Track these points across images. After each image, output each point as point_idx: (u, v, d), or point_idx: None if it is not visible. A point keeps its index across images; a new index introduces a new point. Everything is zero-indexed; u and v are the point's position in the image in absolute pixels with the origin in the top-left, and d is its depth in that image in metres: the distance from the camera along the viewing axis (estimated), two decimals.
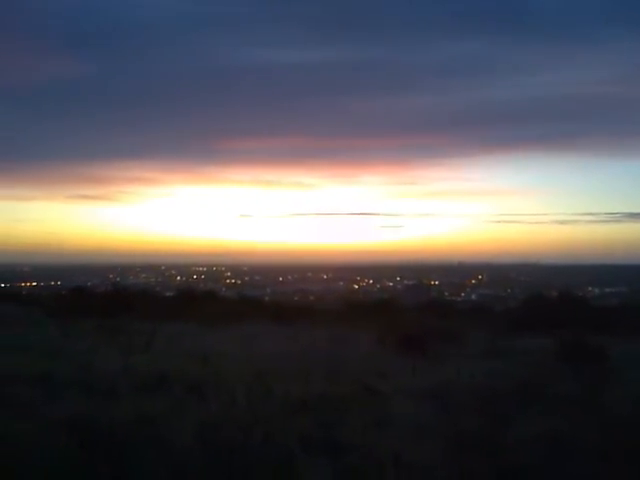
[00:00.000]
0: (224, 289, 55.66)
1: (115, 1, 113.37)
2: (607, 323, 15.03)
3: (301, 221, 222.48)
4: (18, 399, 5.52)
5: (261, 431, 4.64)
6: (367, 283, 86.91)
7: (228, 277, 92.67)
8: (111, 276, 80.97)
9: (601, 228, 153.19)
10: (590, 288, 63.11)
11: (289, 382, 6.58)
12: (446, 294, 59.78)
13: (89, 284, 46.16)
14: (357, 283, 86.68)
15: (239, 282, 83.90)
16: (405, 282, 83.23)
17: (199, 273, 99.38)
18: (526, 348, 10.63)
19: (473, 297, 60.48)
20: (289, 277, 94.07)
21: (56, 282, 63.87)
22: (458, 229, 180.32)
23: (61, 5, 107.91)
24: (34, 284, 64.67)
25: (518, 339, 12.44)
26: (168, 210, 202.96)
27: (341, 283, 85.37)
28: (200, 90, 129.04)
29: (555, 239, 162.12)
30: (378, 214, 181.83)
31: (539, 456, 4.48)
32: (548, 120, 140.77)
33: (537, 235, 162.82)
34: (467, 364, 8.64)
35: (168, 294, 27.43)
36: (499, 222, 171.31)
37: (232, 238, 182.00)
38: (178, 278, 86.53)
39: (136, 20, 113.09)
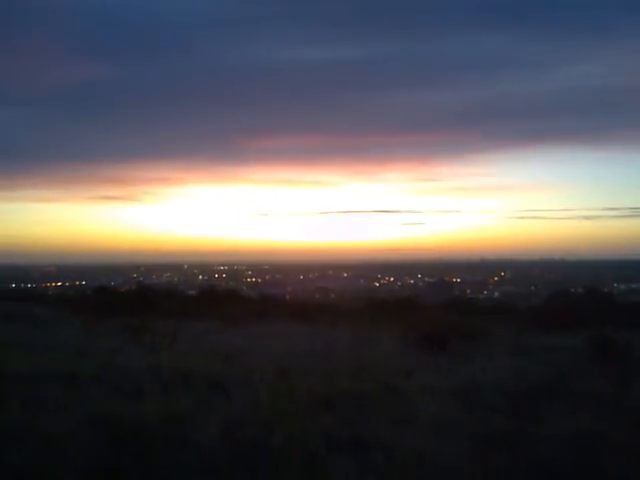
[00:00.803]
0: (245, 288, 55.93)
1: (137, 3, 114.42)
2: (634, 319, 14.79)
3: (322, 219, 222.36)
4: (45, 398, 5.59)
5: (284, 429, 4.64)
6: (388, 281, 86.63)
7: (249, 276, 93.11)
8: (135, 275, 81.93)
9: (625, 223, 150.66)
10: (615, 284, 62.13)
11: (312, 380, 6.57)
12: (468, 292, 59.32)
13: (113, 284, 46.77)
14: (378, 281, 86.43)
15: (260, 281, 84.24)
16: (427, 280, 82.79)
17: (221, 272, 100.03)
18: (552, 345, 10.51)
19: (496, 294, 59.93)
20: (310, 275, 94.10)
21: (81, 282, 64.82)
22: (480, 225, 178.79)
23: (85, 9, 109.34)
24: (59, 284, 65.71)
25: (543, 336, 12.31)
26: (190, 210, 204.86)
27: (362, 281, 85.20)
28: (220, 90, 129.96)
29: (579, 235, 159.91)
30: (399, 211, 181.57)
31: (567, 455, 4.41)
32: (571, 115, 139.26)
33: (561, 231, 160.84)
34: (491, 362, 8.57)
35: (191, 293, 27.67)
36: (522, 218, 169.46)
37: (253, 237, 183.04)
38: (200, 277, 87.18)
39: (157, 22, 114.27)
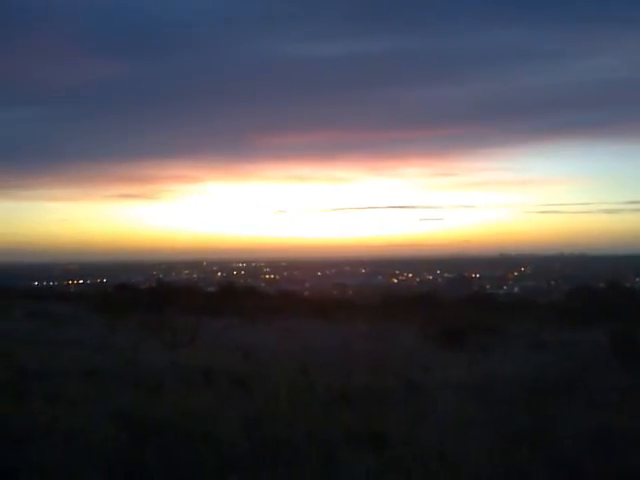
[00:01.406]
0: (263, 284, 56.07)
1: (149, 1, 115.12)
2: None
3: (339, 215, 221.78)
4: (68, 394, 5.67)
5: (304, 425, 4.66)
6: (406, 277, 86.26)
7: (267, 272, 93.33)
8: (154, 273, 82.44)
9: None
10: (637, 279, 61.16)
11: (331, 375, 6.59)
12: (488, 287, 58.81)
13: (133, 281, 47.16)
14: (396, 277, 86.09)
15: (277, 277, 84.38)
16: (446, 275, 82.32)
17: (239, 269, 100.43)
18: (572, 340, 10.40)
19: (516, 290, 59.39)
20: (327, 272, 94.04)
21: (102, 279, 65.43)
22: (500, 220, 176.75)
23: (97, 8, 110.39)
24: (81, 282, 66.48)
25: (564, 331, 12.18)
26: (207, 207, 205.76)
27: (380, 277, 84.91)
28: (235, 87, 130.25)
29: (600, 229, 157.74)
30: (417, 207, 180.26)
31: (588, 450, 4.37)
32: (592, 106, 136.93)
33: (582, 225, 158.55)
34: (511, 357, 8.51)
35: (210, 290, 27.80)
36: (543, 212, 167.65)
37: (270, 234, 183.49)
38: (219, 274, 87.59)
39: (170, 20, 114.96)
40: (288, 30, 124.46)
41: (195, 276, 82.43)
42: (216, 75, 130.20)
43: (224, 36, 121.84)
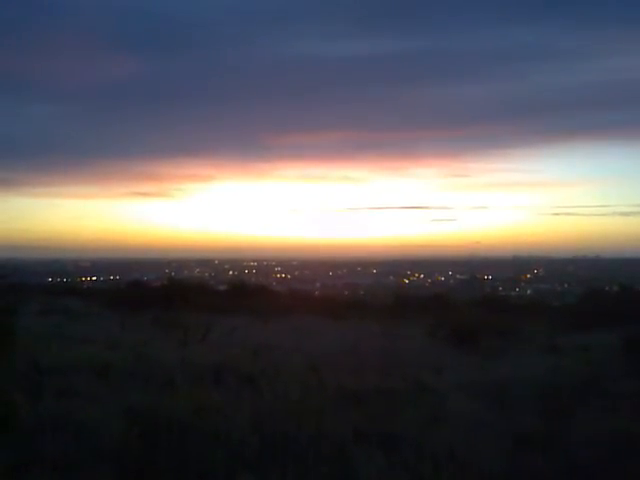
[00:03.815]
0: (274, 283, 56.13)
1: (164, 0, 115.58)
2: None
3: (351, 215, 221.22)
4: (80, 389, 5.70)
5: (314, 423, 4.65)
6: (418, 278, 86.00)
7: (278, 272, 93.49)
8: (167, 270, 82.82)
9: None
10: None
11: (342, 375, 6.57)
12: (500, 289, 58.52)
13: (146, 278, 47.38)
14: (408, 278, 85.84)
15: (289, 276, 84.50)
16: (458, 277, 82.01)
17: (250, 268, 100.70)
18: (585, 344, 10.29)
19: (528, 292, 59.04)
20: (339, 272, 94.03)
21: (115, 276, 65.87)
22: (513, 222, 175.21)
23: (113, 6, 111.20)
24: (94, 279, 66.98)
25: (576, 334, 12.07)
26: (220, 206, 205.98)
27: (391, 278, 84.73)
28: (249, 86, 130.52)
29: (616, 232, 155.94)
30: (430, 207, 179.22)
31: (601, 455, 4.32)
32: (607, 108, 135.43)
33: (597, 228, 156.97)
34: (524, 359, 8.45)
35: (221, 288, 27.84)
36: (557, 214, 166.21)
37: (282, 233, 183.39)
38: (230, 272, 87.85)
39: (185, 18, 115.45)
40: (302, 30, 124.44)
41: (207, 274, 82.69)
42: (231, 74, 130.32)
43: (239, 35, 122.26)
